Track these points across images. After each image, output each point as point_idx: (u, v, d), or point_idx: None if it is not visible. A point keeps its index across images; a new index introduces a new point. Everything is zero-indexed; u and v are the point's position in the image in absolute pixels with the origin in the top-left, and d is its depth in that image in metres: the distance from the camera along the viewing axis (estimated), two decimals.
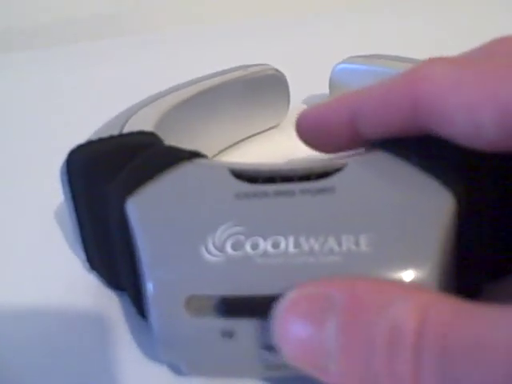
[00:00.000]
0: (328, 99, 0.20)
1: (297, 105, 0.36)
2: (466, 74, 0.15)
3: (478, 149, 0.15)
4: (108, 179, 0.19)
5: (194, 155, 0.19)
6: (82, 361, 0.19)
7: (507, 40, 0.17)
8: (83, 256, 0.22)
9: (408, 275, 0.14)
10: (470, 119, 0.15)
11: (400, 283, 0.14)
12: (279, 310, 0.14)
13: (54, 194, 0.24)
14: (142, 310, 0.18)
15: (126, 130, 0.22)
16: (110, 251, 0.19)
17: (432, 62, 0.16)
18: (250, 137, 0.34)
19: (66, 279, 0.23)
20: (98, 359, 0.19)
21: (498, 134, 0.14)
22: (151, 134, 0.22)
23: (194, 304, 0.15)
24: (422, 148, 0.17)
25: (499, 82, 0.14)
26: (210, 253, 0.15)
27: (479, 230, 0.16)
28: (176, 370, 0.18)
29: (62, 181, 0.21)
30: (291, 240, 0.15)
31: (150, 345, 0.19)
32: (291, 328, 0.14)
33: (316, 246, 0.15)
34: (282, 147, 0.33)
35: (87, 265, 0.22)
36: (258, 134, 0.35)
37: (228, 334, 0.15)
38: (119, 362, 0.19)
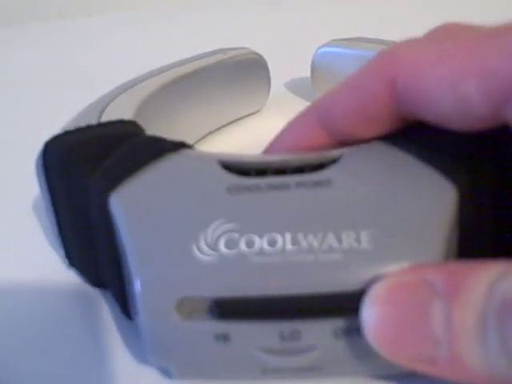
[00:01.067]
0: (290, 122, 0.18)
1: (278, 89, 0.35)
2: (441, 49, 0.14)
3: (466, 129, 0.14)
4: (87, 172, 0.17)
5: (180, 146, 0.18)
6: (64, 362, 0.18)
7: (454, 23, 0.16)
8: (61, 252, 0.21)
9: None
10: (455, 94, 0.14)
11: (491, 261, 0.13)
12: (370, 305, 0.13)
13: (29, 186, 0.23)
14: (126, 310, 0.17)
15: (105, 118, 0.21)
16: (91, 248, 0.18)
17: (403, 43, 0.15)
18: (230, 123, 0.33)
19: (44, 276, 0.22)
20: (81, 360, 0.18)
21: (485, 106, 0.13)
22: (131, 123, 0.21)
23: (186, 306, 0.14)
24: (420, 137, 0.16)
25: (481, 52, 0.13)
26: (202, 251, 0.14)
27: (481, 221, 0.15)
28: (165, 373, 0.17)
29: (38, 173, 0.20)
30: (288, 237, 0.14)
31: (137, 345, 0.18)
32: (391, 321, 0.13)
33: (315, 243, 0.14)
34: (264, 133, 0.31)
35: (66, 261, 0.21)
36: (239, 119, 0.34)
37: (222, 338, 0.14)
38: (104, 364, 0.18)
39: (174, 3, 0.69)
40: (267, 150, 0.19)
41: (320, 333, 0.14)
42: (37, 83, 0.46)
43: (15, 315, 0.20)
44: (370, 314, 0.13)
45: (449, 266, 0.13)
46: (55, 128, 0.20)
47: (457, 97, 0.14)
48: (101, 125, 0.20)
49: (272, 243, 0.14)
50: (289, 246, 0.14)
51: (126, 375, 0.17)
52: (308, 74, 0.35)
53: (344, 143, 0.17)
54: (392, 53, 0.15)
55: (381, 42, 0.31)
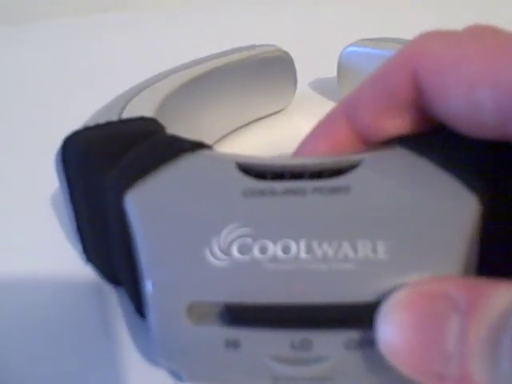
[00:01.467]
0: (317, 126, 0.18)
1: (303, 88, 0.35)
2: (466, 49, 0.14)
3: (473, 135, 0.14)
4: (106, 169, 0.17)
5: (198, 146, 0.17)
6: (76, 359, 0.18)
7: (485, 26, 0.15)
8: (79, 247, 0.21)
9: None
10: (469, 97, 0.14)
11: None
12: (388, 310, 0.13)
13: (50, 180, 0.23)
14: (140, 308, 0.17)
15: (125, 115, 0.21)
16: (107, 245, 0.18)
17: (429, 36, 0.15)
18: (254, 121, 0.33)
19: (62, 270, 0.22)
20: (93, 355, 0.18)
21: (495, 116, 0.13)
22: (152, 120, 0.21)
23: (197, 311, 0.14)
24: (442, 145, 0.15)
25: (501, 61, 0.13)
26: (214, 256, 0.14)
27: (504, 234, 0.15)
28: (175, 375, 0.17)
29: (57, 169, 0.20)
30: (303, 244, 0.14)
31: (149, 345, 0.18)
32: (405, 329, 0.12)
33: (329, 252, 0.14)
34: (287, 133, 0.31)
35: (84, 256, 0.21)
36: (263, 118, 0.33)
37: (232, 345, 0.14)
38: (115, 363, 0.18)
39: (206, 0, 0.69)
40: (297, 151, 0.19)
41: (332, 343, 0.14)
42: (39, 82, 0.46)
43: (30, 311, 0.20)
44: (386, 319, 0.13)
45: (471, 281, 0.13)
46: (73, 126, 0.20)
47: (470, 100, 0.14)
48: (121, 121, 0.20)
49: (286, 250, 0.14)
50: (303, 254, 0.14)
51: (137, 375, 0.17)
52: (334, 73, 0.34)
53: (370, 141, 0.17)
54: (417, 45, 0.15)
55: (407, 42, 0.30)
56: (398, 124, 0.16)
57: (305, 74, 0.35)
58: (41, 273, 0.22)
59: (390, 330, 0.13)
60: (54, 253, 0.23)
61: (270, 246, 0.14)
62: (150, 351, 0.18)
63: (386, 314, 0.13)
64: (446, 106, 0.15)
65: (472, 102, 0.14)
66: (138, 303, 0.17)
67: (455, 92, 0.14)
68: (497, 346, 0.11)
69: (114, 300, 0.20)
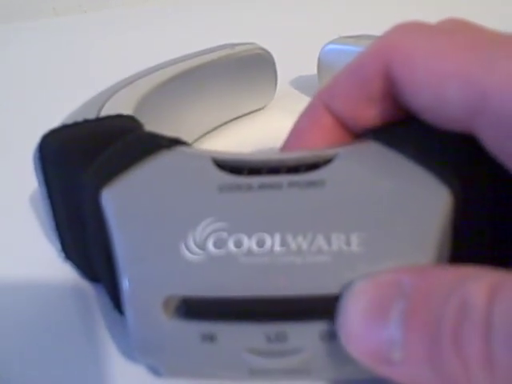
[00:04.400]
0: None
1: (284, 86, 0.35)
2: (437, 44, 0.15)
3: (440, 126, 0.15)
4: (83, 167, 0.17)
5: (174, 142, 0.17)
6: (55, 358, 0.18)
7: (459, 20, 0.16)
8: (58, 245, 0.21)
9: None
10: (436, 90, 0.14)
11: (472, 266, 0.13)
12: (345, 300, 0.13)
13: (28, 179, 0.23)
14: (118, 305, 0.17)
15: (104, 113, 0.21)
16: (84, 242, 0.18)
17: (403, 28, 0.16)
18: (234, 119, 0.33)
19: (40, 270, 0.22)
20: (72, 357, 0.18)
21: (460, 111, 0.14)
22: (130, 118, 0.21)
23: (173, 305, 0.14)
24: (415, 137, 0.16)
25: (470, 58, 0.14)
26: (190, 250, 0.14)
27: (475, 226, 0.15)
28: (154, 370, 0.17)
29: (35, 166, 0.20)
30: (277, 238, 0.14)
31: (128, 342, 0.18)
32: (355, 317, 0.13)
33: (304, 245, 0.14)
34: (268, 130, 0.31)
35: (62, 254, 0.21)
36: (244, 116, 0.33)
37: (209, 338, 0.14)
38: (94, 360, 0.18)
39: None
40: (285, 146, 0.19)
41: (306, 335, 0.14)
42: (34, 80, 0.46)
43: (9, 309, 0.20)
44: (343, 308, 0.13)
45: (424, 269, 0.13)
46: (53, 124, 0.20)
47: (438, 95, 0.14)
48: (99, 119, 0.20)
49: (260, 244, 0.14)
50: (277, 247, 0.14)
51: (116, 371, 0.17)
52: (315, 71, 0.34)
53: (355, 130, 0.17)
54: (390, 37, 0.16)
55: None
56: (374, 114, 0.17)
57: (285, 72, 0.35)
58: (20, 271, 0.22)
59: (345, 318, 0.13)
60: (33, 251, 0.23)
61: (245, 239, 0.14)
62: (129, 347, 0.18)
63: (343, 304, 0.13)
64: (415, 98, 0.15)
65: (441, 97, 0.14)
66: (116, 300, 0.17)
67: (424, 86, 0.14)
68: (438, 331, 0.11)
69: (92, 297, 0.20)
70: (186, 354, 0.14)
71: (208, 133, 0.31)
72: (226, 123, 0.32)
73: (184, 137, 0.18)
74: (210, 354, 0.14)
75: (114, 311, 0.18)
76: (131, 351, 0.18)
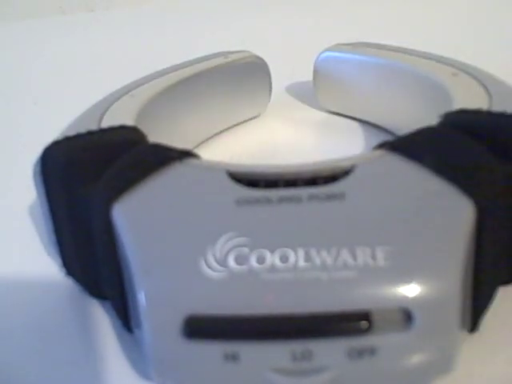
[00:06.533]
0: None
1: (279, 94, 0.34)
2: None
3: None
4: (89, 181, 0.17)
5: (185, 155, 0.17)
6: (61, 375, 0.17)
7: None
8: (59, 260, 0.20)
9: (430, 291, 0.13)
10: None
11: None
12: None
13: (27, 190, 0.22)
14: (127, 323, 0.17)
15: (105, 123, 0.21)
16: (91, 258, 0.18)
17: None
18: (230, 127, 0.33)
19: (41, 285, 0.21)
20: (80, 373, 0.17)
21: None
22: (133, 129, 0.20)
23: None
24: (433, 149, 0.15)
25: None
26: (210, 267, 0.14)
27: (498, 237, 0.15)
28: None
29: (36, 181, 0.19)
30: (301, 253, 0.14)
31: (137, 360, 0.17)
32: None
33: (328, 260, 0.13)
34: (264, 138, 0.31)
35: (63, 270, 0.20)
36: (239, 124, 0.33)
37: (231, 358, 0.13)
38: (105, 378, 0.17)
39: (178, 3, 0.68)
40: None
41: (333, 353, 0.13)
42: (38, 79, 0.45)
43: (13, 324, 0.19)
44: None
45: None
46: (56, 127, 0.20)
47: None
48: (102, 131, 0.20)
49: (284, 259, 0.14)
50: (301, 263, 0.14)
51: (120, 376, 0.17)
52: (310, 78, 0.34)
53: None
54: None
55: (386, 47, 0.30)
56: None
57: (281, 79, 0.35)
58: (19, 285, 0.21)
59: None
60: (32, 265, 0.22)
61: (268, 255, 0.14)
62: (139, 366, 0.17)
63: None
64: None
65: None
66: (125, 317, 0.17)
67: None
68: None
69: (98, 314, 0.20)
70: (207, 374, 0.14)
71: (204, 141, 0.31)
72: (222, 131, 0.32)
73: (180, 146, 0.18)
74: (232, 374, 0.14)
75: (120, 328, 0.17)
76: (142, 369, 0.17)
